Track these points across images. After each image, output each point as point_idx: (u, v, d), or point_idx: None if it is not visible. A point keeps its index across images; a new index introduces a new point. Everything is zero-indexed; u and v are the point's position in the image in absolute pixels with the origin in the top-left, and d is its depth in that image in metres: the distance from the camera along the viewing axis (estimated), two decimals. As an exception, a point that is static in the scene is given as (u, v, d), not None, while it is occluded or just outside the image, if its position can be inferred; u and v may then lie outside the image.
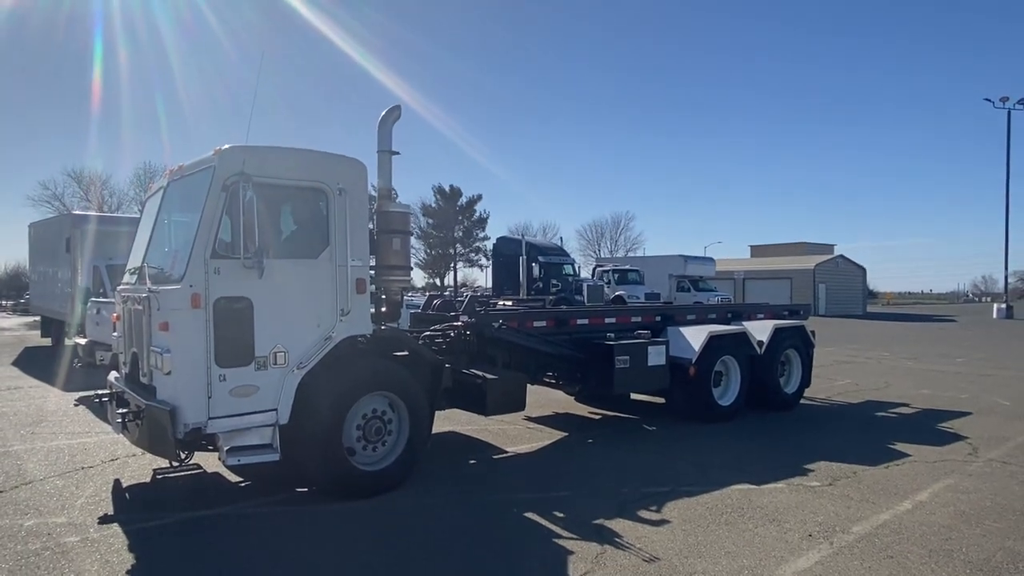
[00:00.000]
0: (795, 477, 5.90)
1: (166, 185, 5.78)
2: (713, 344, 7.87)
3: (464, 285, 79.43)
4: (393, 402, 5.63)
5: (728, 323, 8.71)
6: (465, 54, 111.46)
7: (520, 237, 34.94)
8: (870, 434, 7.67)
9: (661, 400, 8.65)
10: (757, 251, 65.99)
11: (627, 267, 33.79)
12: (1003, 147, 44.33)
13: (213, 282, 4.82)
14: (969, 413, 8.86)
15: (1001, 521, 4.84)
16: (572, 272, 30.80)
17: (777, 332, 8.61)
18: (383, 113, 6.30)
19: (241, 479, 5.88)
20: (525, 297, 34.74)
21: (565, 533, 4.56)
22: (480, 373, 6.32)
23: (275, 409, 5.04)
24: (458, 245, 75.35)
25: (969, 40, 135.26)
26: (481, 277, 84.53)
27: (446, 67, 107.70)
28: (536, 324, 7.44)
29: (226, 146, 5.03)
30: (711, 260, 39.31)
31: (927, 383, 11.75)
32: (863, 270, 57.26)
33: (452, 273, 77.08)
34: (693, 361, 7.67)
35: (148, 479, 5.86)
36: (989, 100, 44.79)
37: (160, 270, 5.28)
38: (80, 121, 73.03)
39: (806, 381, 9.15)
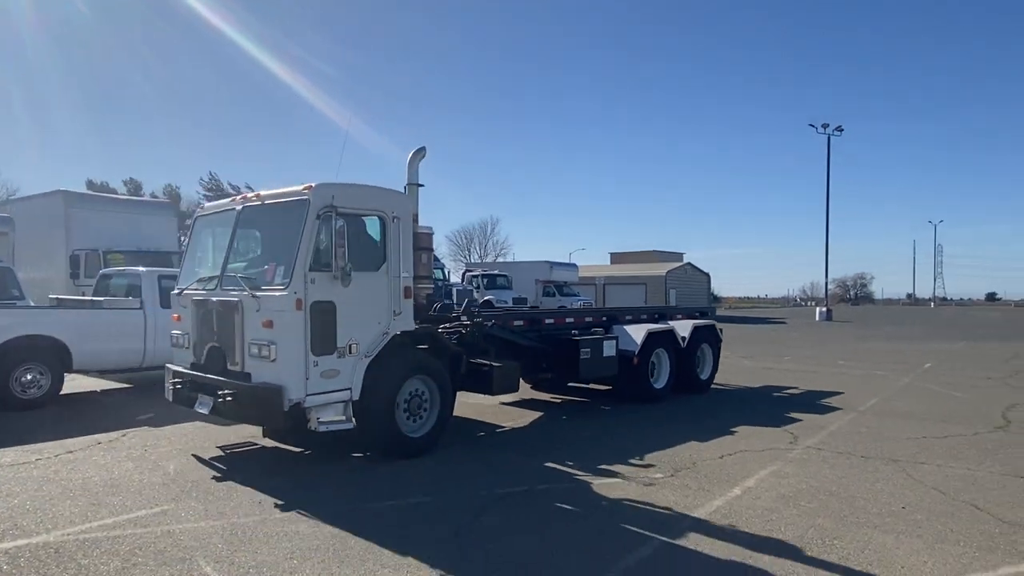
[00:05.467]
0: (643, 470, 6.47)
1: (240, 209, 6.98)
2: (650, 339, 9.89)
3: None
4: (428, 384, 7.13)
5: (657, 322, 10.82)
6: (351, 52, 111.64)
7: (387, 242, 35.75)
8: (712, 426, 8.48)
9: (602, 387, 10.58)
10: (616, 258, 68.70)
11: (496, 272, 34.66)
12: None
13: (310, 290, 6.15)
14: (793, 406, 10.05)
15: (814, 501, 5.49)
16: (442, 276, 30.37)
17: (696, 330, 10.81)
18: (411, 153, 7.77)
19: (302, 449, 7.18)
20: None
21: (419, 543, 4.56)
22: (487, 362, 7.94)
23: (350, 388, 6.43)
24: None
25: (798, 71, 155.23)
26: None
27: (330, 60, 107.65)
28: (515, 323, 9.14)
29: (315, 184, 6.38)
30: (574, 266, 40.72)
31: (760, 379, 13.10)
32: (708, 276, 60.55)
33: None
34: (636, 353, 9.65)
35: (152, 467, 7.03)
36: (813, 126, 50.91)
37: (254, 279, 6.51)
38: None
39: (715, 369, 11.46)
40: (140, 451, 7.10)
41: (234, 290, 6.54)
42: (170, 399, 7.23)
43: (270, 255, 6.71)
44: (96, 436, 7.72)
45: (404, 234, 6.97)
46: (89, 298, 11.32)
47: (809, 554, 4.44)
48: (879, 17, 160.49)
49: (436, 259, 34.90)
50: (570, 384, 10.69)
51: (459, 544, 4.63)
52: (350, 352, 6.43)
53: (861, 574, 4.15)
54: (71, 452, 7.02)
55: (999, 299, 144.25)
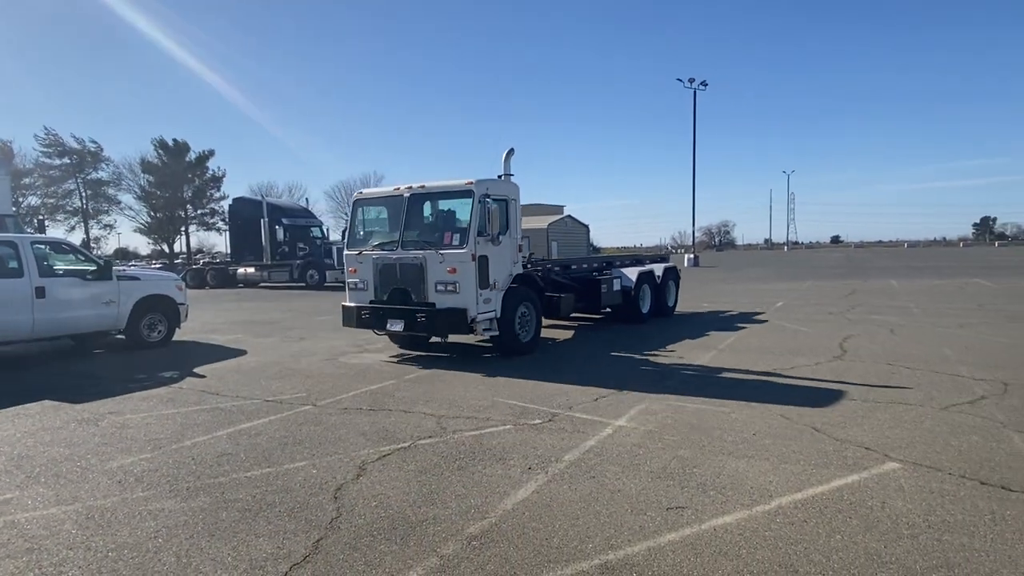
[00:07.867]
0: (669, 353, 9.45)
1: (408, 196, 10.35)
2: (640, 277, 14.14)
3: (200, 251, 73.05)
4: (529, 308, 10.95)
5: (638, 265, 15.04)
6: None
7: (260, 198, 33.85)
8: (594, 368, 9.45)
9: (590, 316, 14.74)
10: (502, 211, 71.96)
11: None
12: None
13: (477, 248, 9.77)
14: (661, 346, 11.18)
15: (677, 435, 5.83)
16: (321, 234, 32.71)
17: (666, 270, 15.21)
18: (505, 152, 11.30)
19: (447, 354, 10.84)
20: (270, 262, 33.01)
21: (297, 502, 4.57)
22: (555, 294, 11.86)
23: (495, 310, 10.19)
24: (188, 207, 68.86)
25: (667, 26, 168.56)
26: (220, 241, 77.31)
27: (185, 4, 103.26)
28: (555, 268, 13.09)
29: (475, 179, 9.89)
30: (466, 221, 43.61)
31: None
32: (587, 228, 64.33)
33: (184, 237, 70.74)
34: (632, 288, 13.88)
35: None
36: (681, 80, 54.94)
37: (432, 243, 9.97)
38: None
39: (677, 299, 15.97)
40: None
41: (415, 250, 10.02)
42: (354, 325, 10.65)
43: (439, 226, 10.23)
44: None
45: (518, 211, 10.69)
46: None
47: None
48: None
49: (312, 215, 34.32)
50: (572, 315, 14.73)
51: (612, 365, 8.57)
52: (495, 287, 10.16)
53: (716, 496, 4.49)
54: None
55: (842, 241, 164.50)
